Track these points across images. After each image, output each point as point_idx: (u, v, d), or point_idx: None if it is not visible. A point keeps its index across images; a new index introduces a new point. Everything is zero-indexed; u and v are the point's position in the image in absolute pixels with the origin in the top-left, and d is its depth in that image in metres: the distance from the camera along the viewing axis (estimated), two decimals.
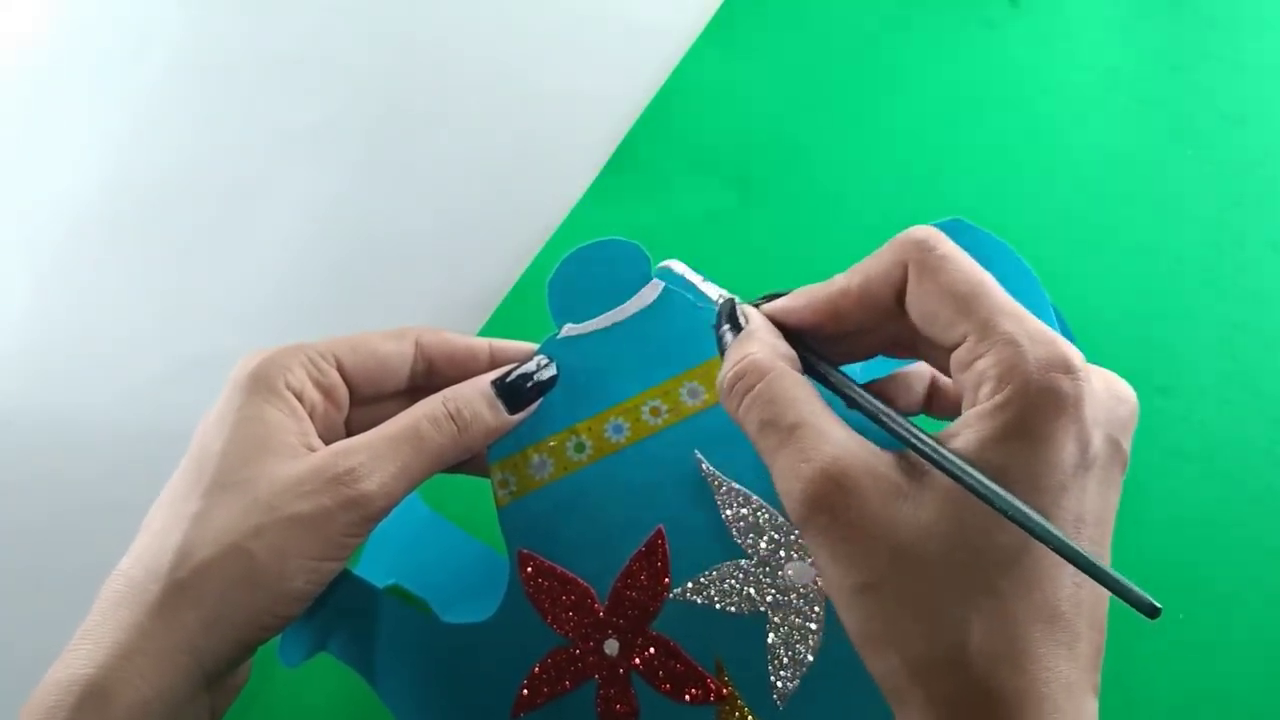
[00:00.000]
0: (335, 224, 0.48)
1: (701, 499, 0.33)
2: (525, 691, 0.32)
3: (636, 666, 0.32)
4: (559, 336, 0.34)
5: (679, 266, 0.33)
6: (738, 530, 0.33)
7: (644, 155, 0.49)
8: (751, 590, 0.33)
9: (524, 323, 0.45)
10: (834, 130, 0.50)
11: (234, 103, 0.51)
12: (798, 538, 0.33)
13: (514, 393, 0.32)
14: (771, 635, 0.32)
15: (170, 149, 0.50)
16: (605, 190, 0.49)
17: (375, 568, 0.40)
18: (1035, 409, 0.22)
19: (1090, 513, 0.23)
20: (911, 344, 0.27)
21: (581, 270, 0.34)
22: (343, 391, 0.31)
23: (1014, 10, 0.53)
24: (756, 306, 0.29)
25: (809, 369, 0.27)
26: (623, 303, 0.34)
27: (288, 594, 0.27)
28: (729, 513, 0.33)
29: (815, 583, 0.33)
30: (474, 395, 0.31)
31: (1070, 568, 0.22)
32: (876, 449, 0.24)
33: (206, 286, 0.47)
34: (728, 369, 0.26)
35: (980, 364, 0.23)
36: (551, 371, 0.33)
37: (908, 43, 0.52)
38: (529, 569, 0.33)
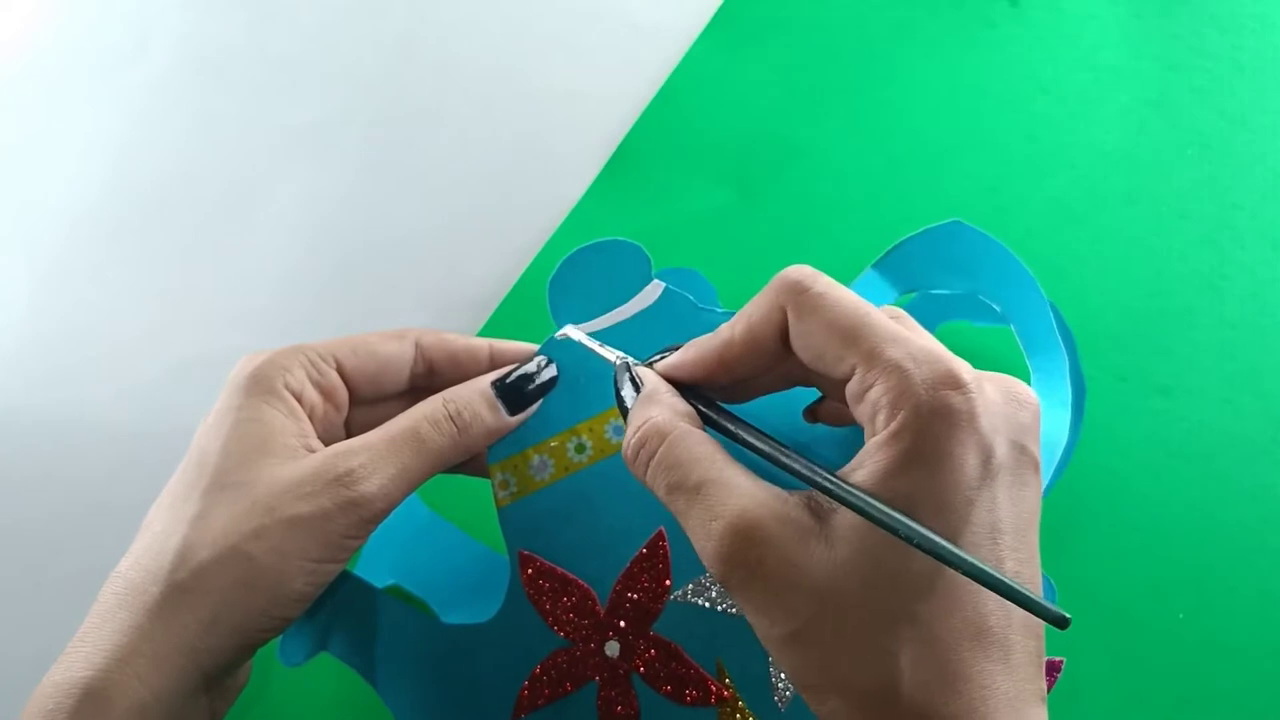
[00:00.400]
0: (335, 224, 0.48)
1: None
2: (526, 692, 0.32)
3: (637, 668, 0.32)
4: (559, 337, 0.34)
5: (575, 333, 0.33)
6: None
7: (644, 155, 0.49)
8: None
9: (524, 323, 0.45)
10: (834, 130, 0.50)
11: (234, 103, 0.51)
12: None
13: (514, 394, 0.32)
14: None
15: (170, 149, 0.50)
16: (605, 190, 0.49)
17: (375, 568, 0.40)
18: (930, 430, 0.22)
19: (1005, 521, 0.23)
20: (806, 380, 0.27)
21: (582, 271, 0.34)
22: (342, 393, 0.31)
23: (1014, 10, 0.53)
24: (651, 365, 0.29)
25: (708, 420, 0.27)
26: (623, 303, 0.34)
27: (287, 595, 0.27)
28: None
29: None
30: (474, 396, 0.31)
31: (1002, 568, 0.22)
32: (783, 493, 0.24)
33: (206, 286, 0.47)
34: (629, 435, 0.26)
35: (871, 394, 0.23)
36: (552, 372, 0.33)
37: (908, 43, 0.52)
38: (530, 570, 0.33)
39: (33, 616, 0.41)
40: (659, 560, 0.33)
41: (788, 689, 0.32)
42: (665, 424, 0.25)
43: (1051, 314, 0.35)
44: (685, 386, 0.28)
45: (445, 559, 0.40)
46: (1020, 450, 0.23)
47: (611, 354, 0.31)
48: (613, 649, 0.32)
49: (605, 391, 0.33)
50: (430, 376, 0.33)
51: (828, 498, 0.23)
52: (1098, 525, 0.41)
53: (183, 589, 0.26)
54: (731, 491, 0.23)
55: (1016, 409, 0.24)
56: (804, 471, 0.24)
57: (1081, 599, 0.40)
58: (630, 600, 0.33)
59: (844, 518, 0.23)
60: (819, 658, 0.22)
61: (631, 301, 0.34)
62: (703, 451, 0.25)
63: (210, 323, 0.46)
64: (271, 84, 0.51)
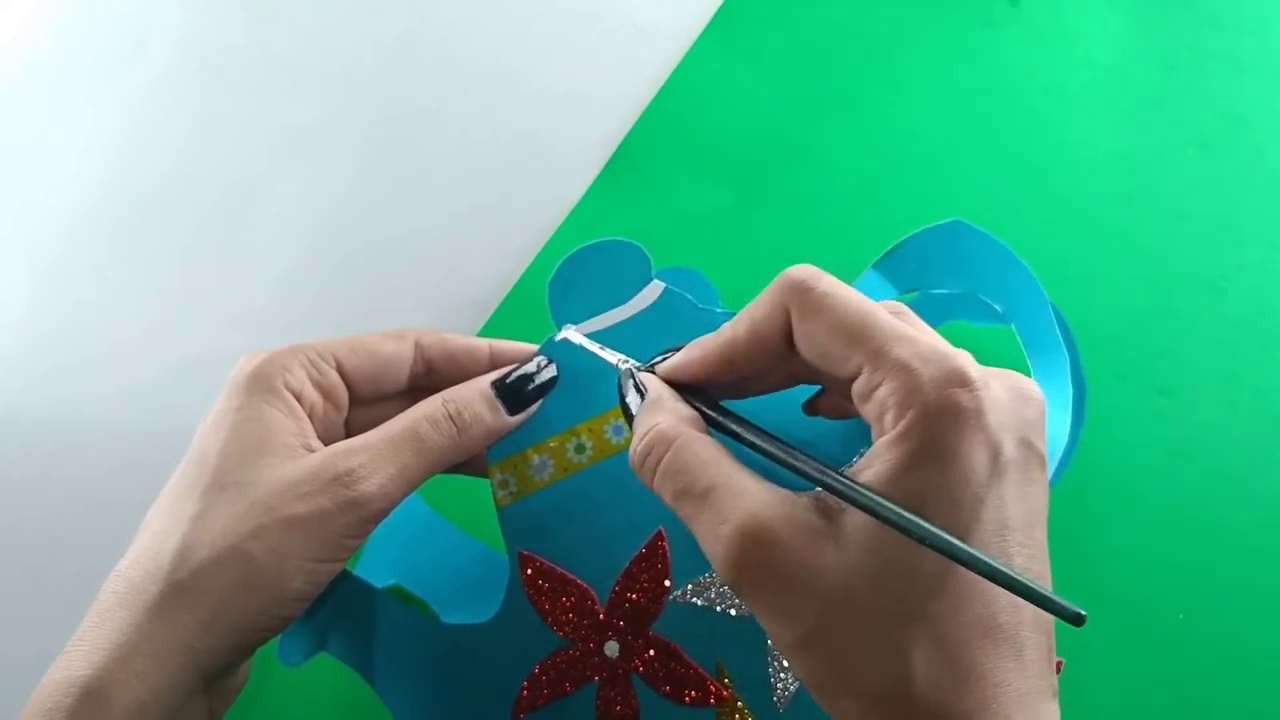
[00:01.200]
0: (335, 224, 0.48)
1: None
2: (525, 692, 0.32)
3: (636, 668, 0.32)
4: (558, 337, 0.34)
5: (575, 336, 0.33)
6: None
7: (644, 155, 0.49)
8: None
9: (524, 323, 0.45)
10: (834, 130, 0.50)
11: (234, 103, 0.51)
12: None
13: (514, 394, 0.32)
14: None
15: (170, 149, 0.50)
16: (605, 190, 0.49)
17: (375, 568, 0.40)
18: (939, 428, 0.22)
19: (1014, 518, 0.23)
20: (810, 378, 0.27)
21: (581, 271, 0.34)
22: (342, 392, 0.31)
23: (1014, 10, 0.53)
24: (653, 369, 0.29)
25: (713, 423, 0.27)
26: (623, 303, 0.34)
27: (286, 595, 0.27)
28: None
29: None
30: (474, 396, 0.31)
31: (1011, 564, 0.22)
32: (791, 495, 0.24)
33: (206, 286, 0.47)
34: (636, 443, 0.26)
35: (879, 393, 0.23)
36: (552, 372, 0.33)
37: (908, 43, 0.52)
38: (529, 570, 0.33)
39: (32, 616, 0.41)
40: (658, 560, 0.33)
41: (787, 689, 0.32)
42: (670, 430, 0.25)
43: (1052, 314, 0.35)
44: (688, 388, 0.28)
45: (445, 559, 0.40)
46: (1027, 447, 0.23)
47: (613, 357, 0.31)
48: (612, 649, 0.32)
49: (605, 392, 0.33)
50: (430, 376, 0.33)
51: (836, 498, 0.23)
52: (1098, 525, 0.41)
53: (182, 588, 0.26)
54: (739, 495, 0.23)
55: (1023, 405, 0.24)
56: (813, 472, 0.23)
57: (1082, 599, 0.40)
58: (629, 600, 0.33)
59: (853, 518, 0.23)
60: (831, 659, 0.22)
61: (631, 301, 0.34)
62: (709, 456, 0.24)
63: (210, 323, 0.46)
64: (271, 84, 0.51)
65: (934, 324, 0.40)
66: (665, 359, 0.29)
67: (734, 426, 0.27)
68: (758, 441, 0.26)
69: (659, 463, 0.25)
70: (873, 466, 0.23)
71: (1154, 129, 0.50)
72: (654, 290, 0.34)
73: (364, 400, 0.32)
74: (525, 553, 0.33)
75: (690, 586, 0.33)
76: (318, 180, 0.49)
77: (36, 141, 0.50)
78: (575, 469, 0.33)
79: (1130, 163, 0.49)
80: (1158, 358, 0.44)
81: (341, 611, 0.33)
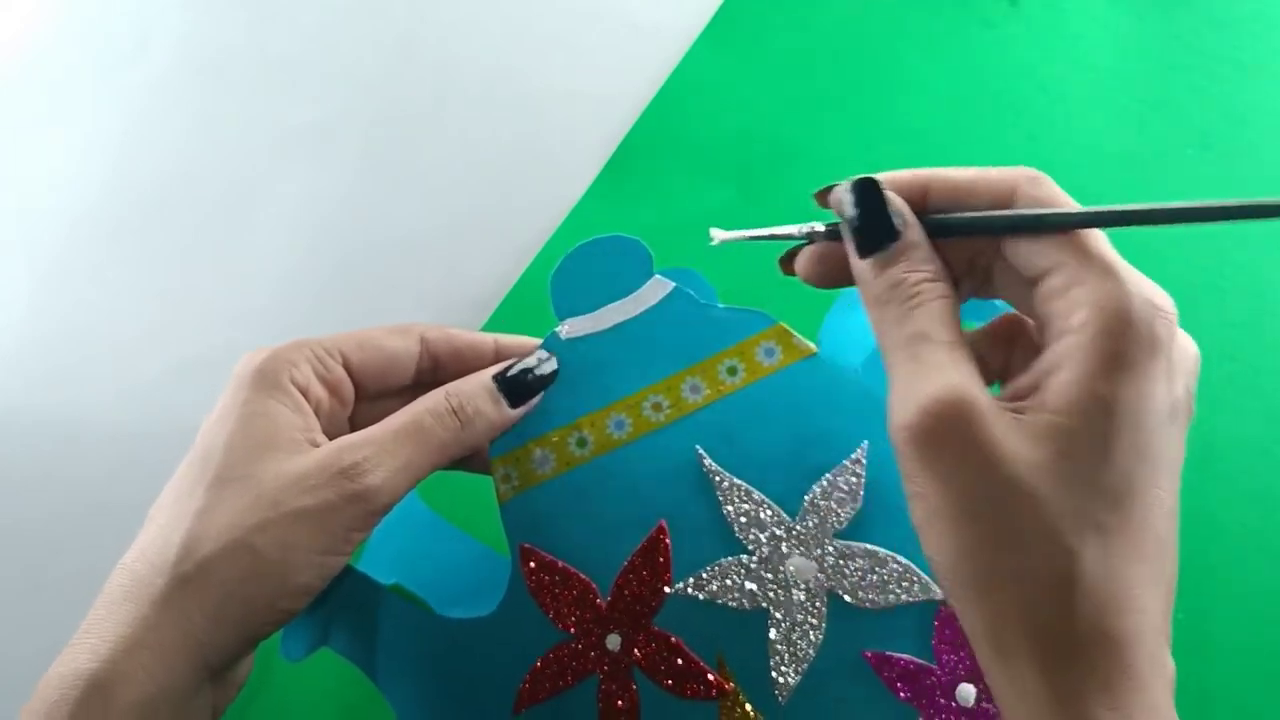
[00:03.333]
0: (335, 224, 0.48)
1: (703, 495, 0.33)
2: (527, 686, 0.33)
3: (638, 661, 0.32)
4: (561, 332, 0.34)
5: (725, 234, 0.32)
6: (739, 526, 0.33)
7: (644, 155, 0.49)
8: (753, 586, 0.33)
9: (524, 322, 0.45)
10: (834, 130, 0.50)
11: (234, 103, 0.51)
12: (800, 533, 0.33)
13: (516, 387, 0.32)
14: (773, 630, 0.33)
15: (170, 149, 0.50)
16: (605, 190, 0.49)
17: (375, 567, 0.40)
18: (1138, 345, 0.22)
19: (1173, 461, 0.24)
20: (987, 267, 0.27)
21: (584, 266, 0.34)
22: (348, 387, 0.31)
23: (1014, 10, 0.53)
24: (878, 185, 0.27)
25: (947, 228, 0.26)
26: (624, 298, 0.34)
27: (292, 588, 0.27)
28: (730, 508, 0.33)
29: (816, 578, 0.33)
30: (477, 390, 0.31)
31: (1166, 504, 0.23)
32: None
33: (206, 286, 0.47)
34: (894, 279, 0.25)
35: (1077, 292, 0.23)
36: (553, 365, 0.33)
37: (907, 43, 0.52)
38: (531, 564, 0.33)
39: (33, 616, 0.41)
40: (660, 554, 0.33)
41: (788, 682, 0.32)
42: (934, 274, 0.25)
43: None
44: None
45: (445, 558, 0.40)
46: (1190, 396, 0.24)
47: (794, 228, 0.30)
48: (614, 642, 0.32)
49: (606, 386, 0.34)
50: (435, 372, 0.33)
51: (1024, 403, 0.23)
52: None
53: (188, 581, 0.26)
54: (957, 358, 0.23)
55: (1192, 357, 0.24)
56: (1057, 218, 0.23)
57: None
58: (631, 593, 0.33)
59: (1044, 419, 0.22)
60: (999, 542, 0.22)
61: (633, 297, 0.34)
62: (953, 318, 0.24)
63: (210, 323, 0.46)
64: (271, 84, 0.51)
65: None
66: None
67: (962, 219, 0.26)
68: (987, 219, 0.25)
69: (909, 299, 0.24)
70: (1064, 367, 0.22)
71: (1154, 129, 0.50)
72: (659, 288, 0.35)
73: (369, 395, 0.32)
74: (527, 546, 0.33)
75: (692, 580, 0.33)
76: (318, 180, 0.49)
77: (36, 141, 0.50)
78: (577, 463, 0.34)
79: (1130, 163, 0.49)
80: None
81: (344, 606, 0.33)
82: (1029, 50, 0.52)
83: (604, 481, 0.33)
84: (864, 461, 0.34)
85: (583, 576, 0.33)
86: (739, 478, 0.33)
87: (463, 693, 0.33)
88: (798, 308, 0.36)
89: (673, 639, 0.32)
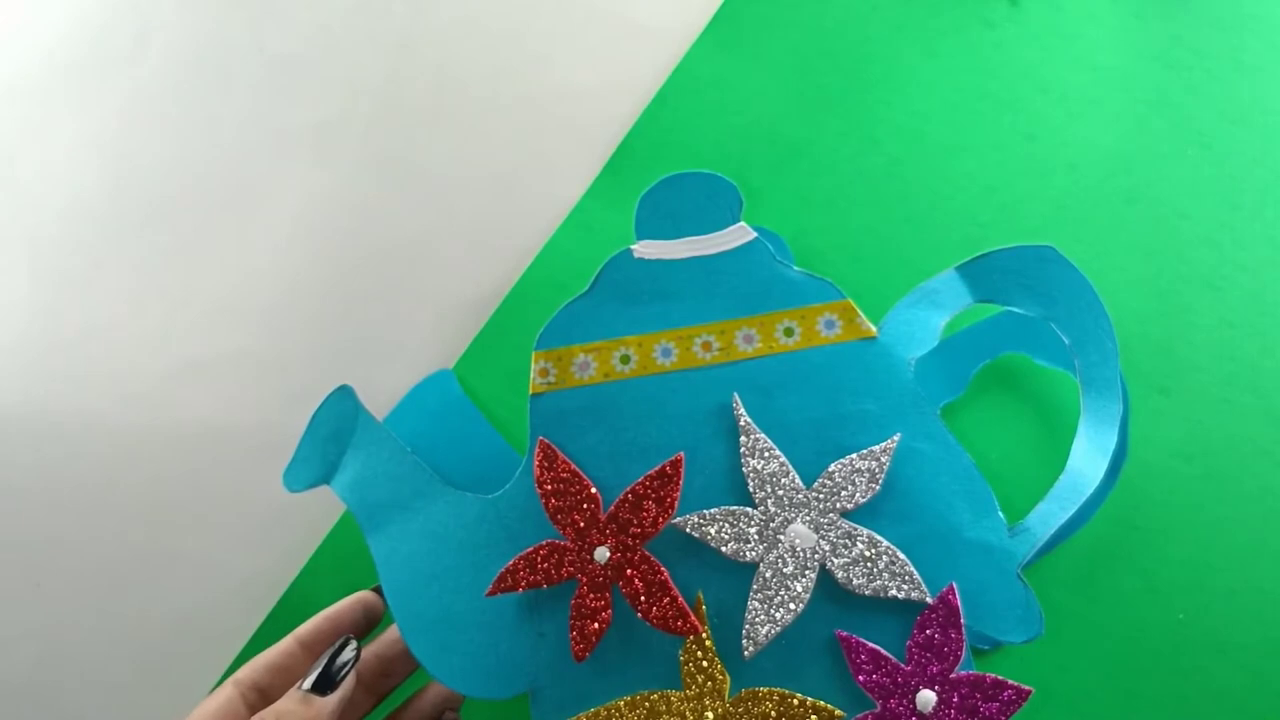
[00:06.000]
0: (335, 224, 0.48)
1: (729, 442, 0.34)
2: (507, 571, 0.33)
3: (619, 580, 0.33)
4: (635, 250, 0.34)
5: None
6: (755, 482, 0.34)
7: (644, 155, 0.49)
8: (751, 541, 0.33)
9: (524, 323, 0.45)
10: (834, 130, 0.50)
11: (234, 103, 0.51)
12: (810, 503, 0.33)
13: (323, 683, 0.33)
14: (756, 588, 0.33)
15: (170, 149, 0.50)
16: (605, 190, 0.49)
17: (397, 432, 0.40)
18: None
19: None
20: None
21: (675, 194, 0.35)
22: None
23: (1014, 10, 0.53)
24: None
25: None
26: (705, 235, 0.35)
27: None
28: (752, 463, 0.34)
29: (813, 549, 0.33)
30: (282, 700, 0.33)
31: None
32: None
33: (207, 287, 0.47)
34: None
35: None
36: (351, 648, 0.34)
37: (908, 43, 0.52)
38: (544, 458, 0.33)
39: (33, 617, 0.41)
40: (670, 484, 0.33)
41: (758, 641, 0.33)
42: None
43: (1118, 362, 0.36)
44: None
45: (466, 442, 0.41)
46: None
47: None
48: (602, 555, 0.33)
49: (664, 313, 0.35)
50: (263, 701, 0.34)
51: None
52: (1098, 525, 0.41)
53: None
54: None
55: None
56: None
57: (1081, 599, 0.40)
58: (632, 514, 0.33)
59: None
60: None
61: (714, 236, 0.35)
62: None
63: (211, 323, 0.46)
64: (271, 84, 0.51)
65: (999, 350, 0.42)
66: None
67: None
68: None
69: None
70: None
71: (1154, 129, 0.49)
72: (742, 234, 0.35)
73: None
74: (546, 441, 0.33)
75: (694, 518, 0.33)
76: (318, 180, 0.49)
77: (37, 141, 0.50)
78: (616, 378, 0.34)
79: (1130, 163, 0.49)
80: (1158, 358, 0.44)
81: (355, 449, 0.33)
82: (1029, 50, 0.52)
83: (637, 402, 0.34)
84: (891, 452, 0.34)
85: (589, 483, 0.33)
86: (767, 435, 0.34)
87: (448, 562, 0.34)
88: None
89: (661, 568, 0.33)
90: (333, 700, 0.33)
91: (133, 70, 0.51)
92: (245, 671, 0.34)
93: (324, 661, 0.33)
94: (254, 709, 0.33)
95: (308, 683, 0.33)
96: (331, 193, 0.49)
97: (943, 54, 0.52)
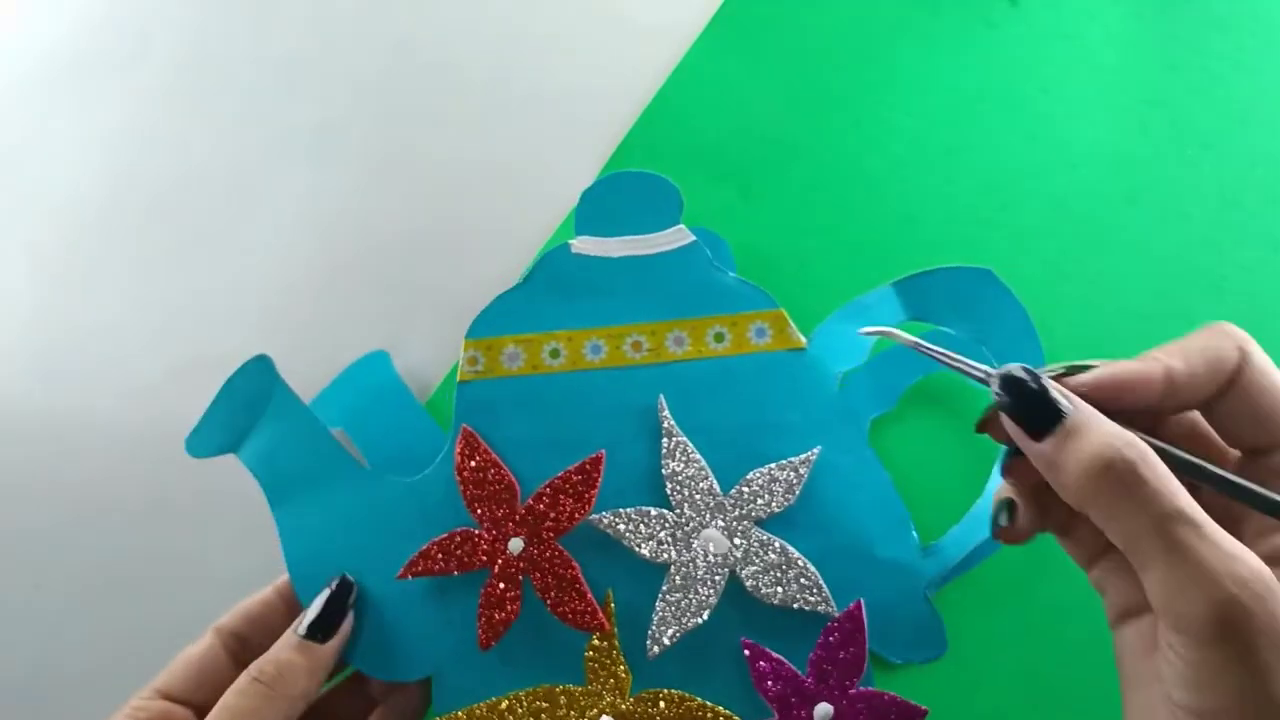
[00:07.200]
0: (335, 224, 0.48)
1: (651, 443, 0.34)
2: (419, 556, 0.33)
3: (533, 571, 0.33)
4: (572, 246, 0.34)
5: (905, 337, 0.29)
6: (673, 485, 0.34)
7: (644, 155, 0.49)
8: (664, 541, 0.33)
9: None
10: (834, 130, 0.50)
11: (234, 103, 0.51)
12: (725, 509, 0.34)
13: (322, 625, 0.32)
14: (666, 589, 0.33)
15: (171, 149, 0.50)
16: None
17: (327, 409, 0.40)
18: None
19: None
20: (1186, 417, 0.27)
21: (616, 192, 0.36)
22: (181, 713, 0.32)
23: (1014, 10, 0.53)
24: (1060, 378, 0.26)
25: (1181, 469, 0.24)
26: (643, 235, 0.35)
27: None
28: (672, 465, 0.34)
29: (725, 555, 0.33)
30: (279, 648, 0.32)
31: None
32: None
33: (206, 286, 0.47)
34: (1093, 455, 0.23)
35: None
36: (349, 585, 0.33)
37: (908, 43, 0.52)
38: (465, 446, 0.34)
39: (33, 618, 0.41)
40: (589, 480, 0.33)
41: (663, 641, 0.33)
42: (1143, 450, 0.23)
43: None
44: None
45: (397, 423, 0.41)
46: None
47: (981, 368, 0.27)
48: (516, 546, 0.33)
49: (597, 310, 0.35)
50: (245, 651, 0.33)
51: None
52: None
53: None
54: (1234, 539, 0.21)
55: None
56: None
57: (1082, 599, 0.40)
58: (549, 507, 0.33)
59: None
60: None
61: (652, 237, 0.35)
62: (1183, 490, 0.22)
63: (211, 323, 0.46)
64: (271, 84, 0.51)
65: (932, 367, 0.41)
66: (1065, 375, 0.26)
67: (1190, 460, 0.24)
68: (1218, 475, 0.24)
69: (1144, 481, 0.22)
70: None
71: (1154, 129, 0.49)
72: (680, 237, 0.35)
73: (209, 704, 0.32)
74: (469, 429, 0.34)
75: (610, 516, 0.33)
76: (318, 180, 0.49)
77: (37, 142, 0.50)
78: (545, 370, 0.34)
79: (1130, 163, 0.49)
80: None
81: (267, 419, 0.34)
82: (1029, 50, 0.52)
83: (563, 397, 0.34)
84: (810, 464, 0.34)
85: (509, 474, 0.33)
86: (690, 439, 0.34)
87: (356, 541, 0.34)
88: (805, 309, 0.36)
89: (573, 563, 0.33)
90: (332, 646, 0.32)
91: (133, 70, 0.51)
92: (227, 619, 0.33)
93: (321, 603, 0.33)
94: (236, 657, 0.33)
95: (303, 627, 0.32)
96: (331, 193, 0.49)
97: (943, 54, 0.52)
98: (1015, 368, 0.25)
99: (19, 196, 0.49)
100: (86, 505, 0.42)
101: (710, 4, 0.53)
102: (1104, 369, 0.25)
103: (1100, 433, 0.23)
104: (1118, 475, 0.22)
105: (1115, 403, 0.25)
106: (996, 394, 0.25)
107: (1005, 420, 0.25)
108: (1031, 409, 0.24)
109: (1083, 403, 0.24)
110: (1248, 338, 0.25)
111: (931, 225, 0.47)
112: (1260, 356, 0.25)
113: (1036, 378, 0.24)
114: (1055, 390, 0.24)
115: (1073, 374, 0.25)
